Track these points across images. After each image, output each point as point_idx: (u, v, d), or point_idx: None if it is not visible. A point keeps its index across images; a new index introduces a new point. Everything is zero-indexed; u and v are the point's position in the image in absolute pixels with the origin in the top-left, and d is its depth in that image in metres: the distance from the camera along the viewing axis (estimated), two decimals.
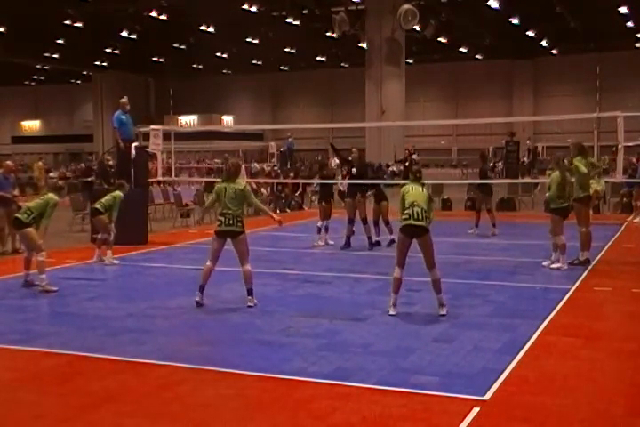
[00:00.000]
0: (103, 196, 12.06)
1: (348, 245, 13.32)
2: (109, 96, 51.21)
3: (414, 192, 7.96)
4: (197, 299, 8.38)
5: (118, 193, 11.80)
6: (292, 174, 26.43)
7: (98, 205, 11.73)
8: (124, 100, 14.72)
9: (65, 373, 6.12)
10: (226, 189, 8.44)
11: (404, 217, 7.90)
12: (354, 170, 13.50)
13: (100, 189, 16.26)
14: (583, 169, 10.84)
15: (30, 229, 9.57)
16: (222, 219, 8.39)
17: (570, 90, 50.43)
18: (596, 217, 18.68)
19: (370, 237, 13.34)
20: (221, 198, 8.44)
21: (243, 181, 8.93)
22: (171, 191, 21.54)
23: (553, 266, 10.86)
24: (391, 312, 7.89)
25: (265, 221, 18.93)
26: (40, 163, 33.85)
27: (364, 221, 13.29)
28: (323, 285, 9.98)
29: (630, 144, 16.33)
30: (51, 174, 35.32)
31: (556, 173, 10.94)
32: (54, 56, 47.66)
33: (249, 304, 8.39)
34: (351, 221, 13.33)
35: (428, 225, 7.85)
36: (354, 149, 14.00)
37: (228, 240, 8.45)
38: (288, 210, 22.35)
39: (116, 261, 11.74)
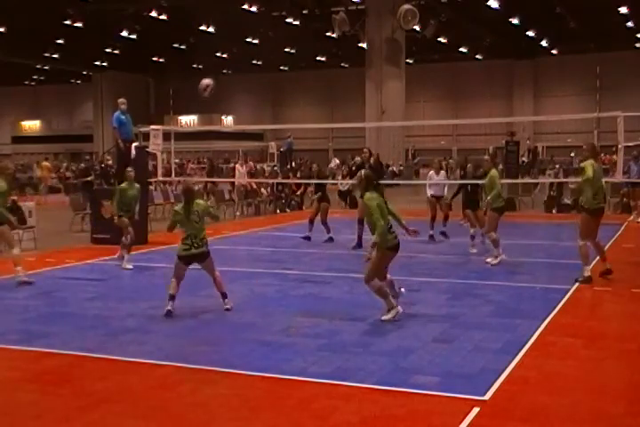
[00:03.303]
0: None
1: (359, 245, 13.22)
2: (109, 96, 51.18)
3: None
4: (169, 308, 7.95)
5: (121, 185, 11.64)
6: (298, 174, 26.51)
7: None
8: (121, 100, 14.71)
9: (65, 373, 6.12)
10: (188, 213, 8.10)
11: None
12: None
13: (100, 189, 16.29)
14: (589, 173, 9.44)
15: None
16: (189, 242, 8.08)
17: (570, 90, 50.42)
18: None
19: None
20: (184, 222, 8.14)
21: (204, 203, 8.65)
22: (170, 191, 21.57)
23: (493, 262, 11.20)
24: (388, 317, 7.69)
25: (264, 222, 18.97)
26: (46, 162, 33.82)
27: None
28: (323, 285, 9.98)
29: (630, 144, 16.33)
30: (51, 174, 35.24)
31: (494, 171, 11.36)
32: (54, 56, 47.66)
33: (226, 307, 8.21)
34: (361, 222, 13.22)
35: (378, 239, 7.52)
36: (365, 149, 13.95)
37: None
38: (288, 210, 22.36)
39: (129, 266, 11.25)
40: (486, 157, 12.64)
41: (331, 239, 14.25)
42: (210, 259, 8.24)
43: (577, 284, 9.52)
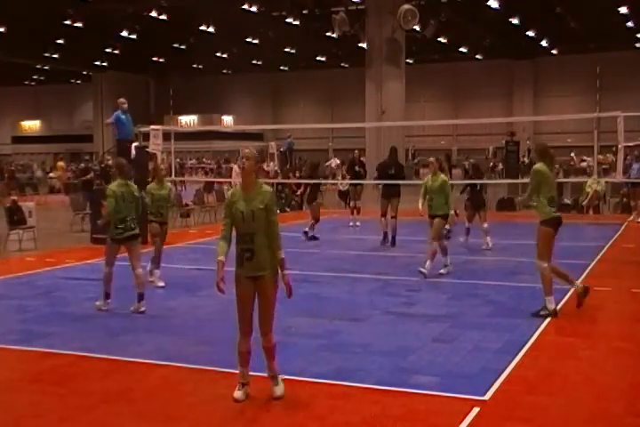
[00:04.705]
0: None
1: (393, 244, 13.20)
2: (109, 96, 51.10)
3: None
4: (105, 308, 8.26)
5: (150, 185, 10.22)
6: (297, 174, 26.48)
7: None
8: (121, 99, 14.71)
9: (65, 373, 6.12)
10: (123, 194, 8.11)
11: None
12: (392, 170, 13.40)
13: (100, 189, 16.24)
14: (536, 179, 7.84)
15: None
16: (123, 226, 8.10)
17: (570, 90, 50.39)
18: (596, 217, 18.71)
19: (393, 237, 13.19)
20: (120, 203, 8.07)
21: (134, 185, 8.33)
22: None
23: (442, 271, 10.41)
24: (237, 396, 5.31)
25: None
26: (61, 162, 33.79)
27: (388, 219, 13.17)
28: (323, 285, 9.97)
29: (630, 144, 16.34)
30: (51, 174, 35.26)
31: (443, 177, 10.40)
32: (54, 56, 47.63)
33: (141, 309, 8.12)
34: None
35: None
36: (392, 146, 14.04)
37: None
38: (288, 209, 22.37)
39: (161, 284, 9.92)
40: (431, 159, 10.79)
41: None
42: (139, 243, 8.39)
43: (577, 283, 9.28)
